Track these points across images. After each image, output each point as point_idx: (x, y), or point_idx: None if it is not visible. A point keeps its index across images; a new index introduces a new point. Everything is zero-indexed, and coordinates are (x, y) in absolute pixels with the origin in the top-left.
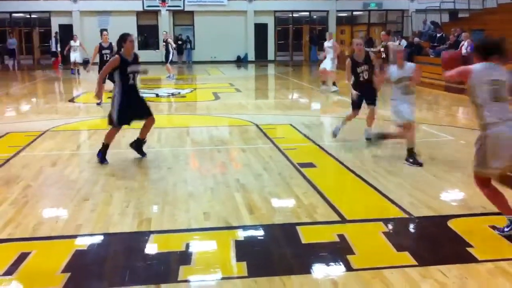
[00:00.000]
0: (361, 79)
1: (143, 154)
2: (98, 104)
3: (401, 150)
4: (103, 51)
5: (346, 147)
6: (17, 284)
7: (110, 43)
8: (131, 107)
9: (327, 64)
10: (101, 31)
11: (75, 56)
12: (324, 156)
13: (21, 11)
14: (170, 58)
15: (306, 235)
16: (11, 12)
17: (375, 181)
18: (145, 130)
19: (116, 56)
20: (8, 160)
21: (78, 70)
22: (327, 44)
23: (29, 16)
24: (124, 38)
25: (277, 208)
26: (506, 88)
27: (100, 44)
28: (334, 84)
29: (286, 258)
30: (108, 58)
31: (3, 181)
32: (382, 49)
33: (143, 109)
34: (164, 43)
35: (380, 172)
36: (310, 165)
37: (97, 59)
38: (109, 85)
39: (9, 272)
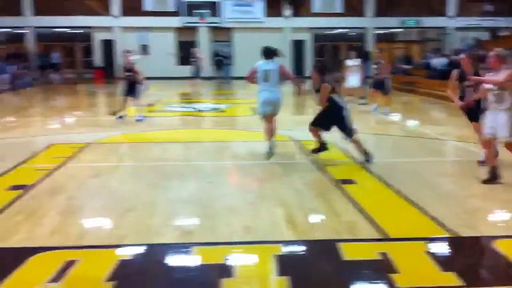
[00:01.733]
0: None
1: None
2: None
3: (443, 166)
4: (125, 73)
5: (387, 164)
6: None
7: (131, 64)
8: None
9: (353, 81)
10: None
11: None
12: (365, 173)
13: (64, 26)
14: (199, 73)
15: (347, 252)
16: (55, 27)
17: (418, 199)
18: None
19: None
20: (53, 171)
21: None
22: (353, 62)
23: (72, 31)
24: None
25: (317, 224)
26: None
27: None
28: (362, 98)
29: (328, 274)
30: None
31: (48, 191)
32: None
33: None
34: (195, 59)
35: (423, 190)
36: (350, 181)
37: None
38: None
39: (56, 279)
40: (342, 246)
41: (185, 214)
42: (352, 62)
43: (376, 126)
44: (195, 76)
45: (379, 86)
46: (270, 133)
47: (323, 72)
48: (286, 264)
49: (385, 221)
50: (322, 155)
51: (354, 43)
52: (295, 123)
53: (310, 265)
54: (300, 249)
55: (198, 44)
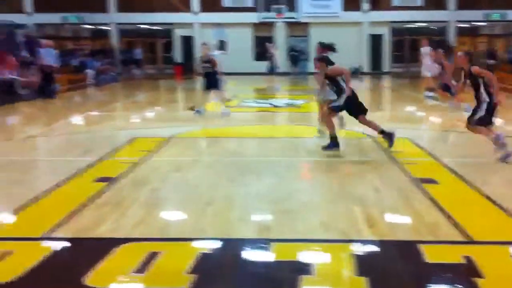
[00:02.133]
0: None
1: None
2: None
3: None
4: (202, 65)
5: (470, 164)
6: (148, 281)
7: (209, 56)
8: None
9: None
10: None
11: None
12: (446, 173)
13: (146, 22)
14: (274, 68)
15: (429, 254)
16: (137, 24)
17: (503, 200)
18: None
19: None
20: (137, 164)
21: None
22: (424, 50)
23: (153, 28)
24: None
25: (397, 224)
26: None
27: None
28: (431, 90)
29: (408, 276)
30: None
31: (133, 183)
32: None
33: None
34: (269, 54)
35: (508, 191)
36: (431, 181)
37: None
38: None
39: (141, 270)
40: (423, 248)
41: (263, 209)
42: (424, 50)
43: (456, 124)
44: (270, 71)
45: (446, 88)
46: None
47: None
48: (364, 264)
49: (469, 223)
50: (401, 154)
51: (435, 37)
52: (374, 120)
53: (389, 266)
54: (379, 249)
55: (274, 39)
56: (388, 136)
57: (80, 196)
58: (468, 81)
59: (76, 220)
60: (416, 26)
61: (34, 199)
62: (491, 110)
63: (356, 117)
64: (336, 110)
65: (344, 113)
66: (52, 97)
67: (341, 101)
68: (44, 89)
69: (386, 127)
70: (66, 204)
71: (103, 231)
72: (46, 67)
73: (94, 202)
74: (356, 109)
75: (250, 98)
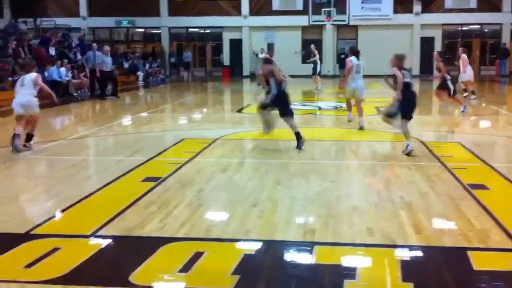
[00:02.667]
0: None
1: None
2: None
3: None
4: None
5: None
6: (191, 281)
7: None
8: None
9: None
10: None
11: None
12: (498, 178)
13: (196, 26)
14: (318, 70)
15: (478, 262)
16: (187, 27)
17: None
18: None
19: None
20: (183, 165)
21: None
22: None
23: (203, 31)
24: None
25: (446, 230)
26: None
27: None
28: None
29: (455, 283)
30: None
31: (179, 183)
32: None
33: None
34: (312, 56)
35: None
36: (482, 186)
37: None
38: None
39: (185, 269)
40: (472, 255)
41: (308, 212)
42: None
43: (510, 128)
44: (313, 73)
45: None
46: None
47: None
48: (410, 270)
49: None
50: (451, 158)
51: (489, 40)
52: (422, 124)
53: (436, 273)
54: (427, 255)
55: (323, 42)
56: (298, 139)
57: (128, 195)
58: None
59: (123, 218)
60: (469, 28)
61: (84, 198)
62: None
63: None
64: (264, 107)
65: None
66: (117, 97)
67: (268, 99)
68: (104, 91)
69: (437, 131)
70: (114, 203)
71: (149, 230)
72: (105, 72)
73: (141, 202)
74: (281, 110)
75: (297, 100)
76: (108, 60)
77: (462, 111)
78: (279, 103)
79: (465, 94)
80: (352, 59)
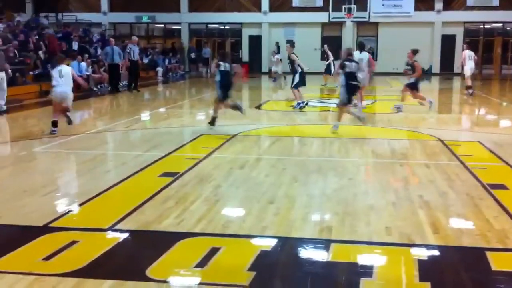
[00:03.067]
0: None
1: None
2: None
3: None
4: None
5: None
6: (208, 276)
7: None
8: None
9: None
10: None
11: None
12: None
13: (216, 22)
14: (333, 71)
15: (497, 262)
16: (207, 23)
17: None
18: None
19: None
20: (201, 160)
21: (274, 78)
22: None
23: (223, 27)
24: None
25: (464, 230)
26: None
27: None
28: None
29: (473, 284)
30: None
31: (197, 179)
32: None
33: None
34: (326, 57)
35: None
36: (502, 186)
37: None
38: None
39: (201, 264)
40: (491, 256)
41: (325, 210)
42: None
43: None
44: (326, 72)
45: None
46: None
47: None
48: (428, 270)
49: None
50: (470, 157)
51: (511, 38)
52: (443, 122)
53: (454, 273)
54: (445, 255)
55: (343, 39)
56: (237, 108)
57: (146, 190)
58: None
59: (141, 213)
60: (491, 26)
61: (102, 192)
62: None
63: None
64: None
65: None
66: (138, 91)
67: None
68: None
69: (456, 130)
70: (132, 198)
71: (166, 225)
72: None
73: (158, 197)
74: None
75: (315, 97)
76: (135, 49)
77: (430, 107)
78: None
79: (470, 91)
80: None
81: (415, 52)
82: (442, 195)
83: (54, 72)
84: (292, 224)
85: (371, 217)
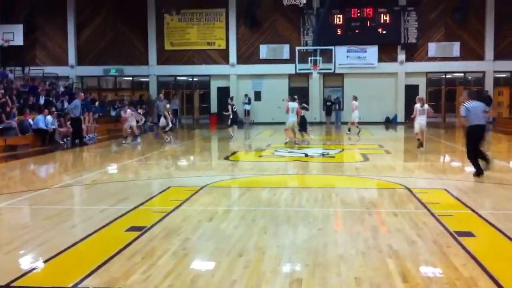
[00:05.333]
0: None
1: None
2: None
3: None
4: None
5: (509, 217)
6: None
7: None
8: None
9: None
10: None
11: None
12: (484, 225)
13: (184, 74)
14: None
15: None
16: (175, 76)
17: None
18: None
19: None
20: (169, 213)
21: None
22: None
23: (191, 79)
24: None
25: (433, 279)
26: None
27: None
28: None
29: None
30: None
31: (165, 232)
32: None
33: None
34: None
35: None
36: (469, 234)
37: None
38: None
39: None
40: None
41: (295, 261)
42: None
43: (495, 175)
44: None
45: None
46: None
47: None
48: None
49: (508, 278)
50: (437, 205)
51: (472, 87)
52: (409, 170)
53: None
54: None
55: (310, 89)
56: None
57: (112, 245)
58: None
59: (107, 269)
60: (453, 76)
61: (68, 248)
62: None
63: None
64: None
65: None
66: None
67: None
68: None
69: (423, 178)
70: (98, 253)
71: (133, 282)
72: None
73: (125, 252)
74: None
75: (284, 147)
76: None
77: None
78: None
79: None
80: (290, 103)
81: (293, 98)
82: (411, 244)
83: None
84: (262, 277)
85: (341, 267)
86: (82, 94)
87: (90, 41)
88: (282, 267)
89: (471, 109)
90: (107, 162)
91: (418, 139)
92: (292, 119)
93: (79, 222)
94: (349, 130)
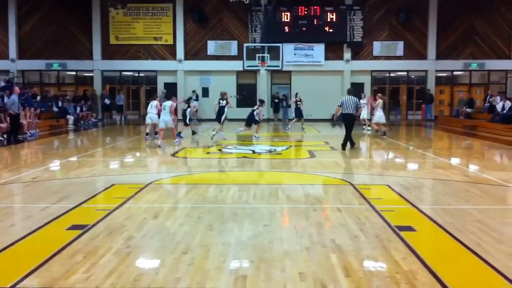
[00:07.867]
0: None
1: None
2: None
3: (508, 214)
4: None
5: (448, 211)
6: None
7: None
8: None
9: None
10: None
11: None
12: (424, 220)
13: (130, 69)
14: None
15: None
16: (121, 71)
17: (480, 249)
18: None
19: None
20: (113, 211)
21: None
22: (363, 101)
23: (137, 75)
24: None
25: (375, 272)
26: None
27: None
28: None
29: None
30: None
31: (107, 231)
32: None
33: None
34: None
35: (486, 239)
36: (409, 228)
37: None
38: None
39: None
40: None
41: (241, 258)
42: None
43: (436, 171)
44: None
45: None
46: None
47: None
48: None
49: (446, 272)
50: (379, 201)
51: (415, 86)
52: (354, 167)
53: None
54: None
55: (257, 86)
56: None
57: (53, 244)
58: None
59: (46, 269)
60: (397, 75)
61: (6, 247)
62: None
63: None
64: None
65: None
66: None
67: None
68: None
69: (366, 174)
70: (38, 253)
71: (74, 281)
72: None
73: (66, 251)
74: None
75: (231, 144)
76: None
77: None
78: None
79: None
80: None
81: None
82: (354, 239)
83: None
84: (207, 274)
85: (285, 263)
86: (18, 89)
87: (32, 34)
88: (227, 264)
89: (344, 101)
90: (48, 159)
91: (377, 130)
92: (166, 118)
93: (18, 220)
94: (384, 133)
